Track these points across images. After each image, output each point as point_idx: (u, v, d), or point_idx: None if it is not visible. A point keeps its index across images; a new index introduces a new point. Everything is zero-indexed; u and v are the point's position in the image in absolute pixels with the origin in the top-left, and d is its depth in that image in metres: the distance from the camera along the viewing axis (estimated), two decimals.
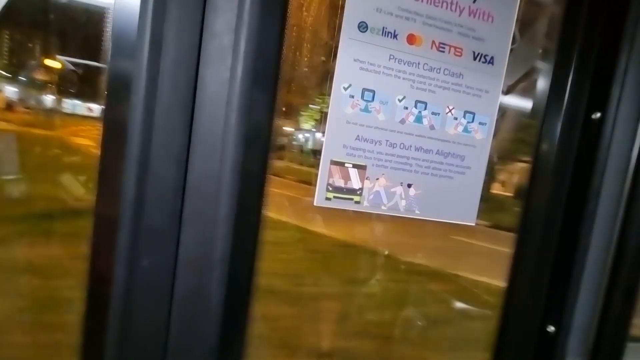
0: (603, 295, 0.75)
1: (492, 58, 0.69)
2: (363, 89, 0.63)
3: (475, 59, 0.68)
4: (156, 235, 0.53)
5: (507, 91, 0.81)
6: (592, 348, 0.75)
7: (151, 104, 0.51)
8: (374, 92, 0.63)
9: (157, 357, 0.55)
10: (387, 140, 0.65)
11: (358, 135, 0.64)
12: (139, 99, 0.50)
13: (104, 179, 0.52)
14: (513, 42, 0.70)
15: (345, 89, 0.62)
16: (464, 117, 0.69)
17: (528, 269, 0.77)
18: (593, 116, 0.72)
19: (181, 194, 0.54)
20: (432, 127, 0.67)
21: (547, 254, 0.77)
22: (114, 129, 0.51)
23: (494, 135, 0.71)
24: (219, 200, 0.54)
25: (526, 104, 0.88)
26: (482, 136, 0.71)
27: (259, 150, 0.56)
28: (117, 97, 0.50)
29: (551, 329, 0.76)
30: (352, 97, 0.62)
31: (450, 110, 0.68)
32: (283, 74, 0.57)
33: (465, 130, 0.69)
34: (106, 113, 0.51)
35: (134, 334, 0.53)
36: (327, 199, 0.64)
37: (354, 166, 0.64)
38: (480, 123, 0.70)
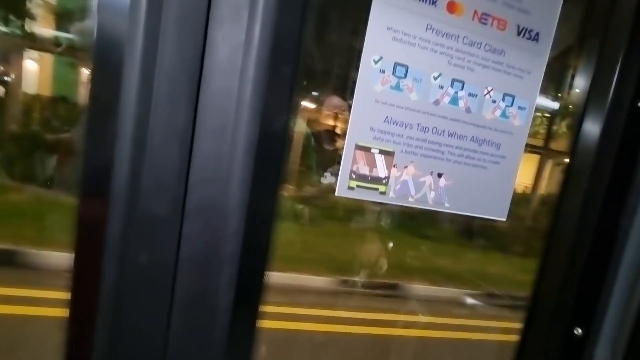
0: (637, 298, 0.70)
1: (537, 34, 0.61)
2: (395, 63, 0.54)
3: (519, 34, 0.60)
4: (154, 227, 0.45)
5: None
6: (622, 353, 0.70)
7: (149, 70, 0.42)
8: (407, 67, 0.55)
9: None
10: (418, 124, 0.58)
11: (387, 117, 0.56)
12: (134, 65, 0.41)
13: (90, 160, 0.43)
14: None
15: (376, 62, 0.53)
16: (503, 100, 0.61)
17: (557, 268, 0.72)
18: None
19: (184, 180, 0.45)
20: (468, 110, 0.60)
21: (579, 252, 0.71)
22: (103, 99, 0.42)
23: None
24: (228, 187, 0.46)
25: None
26: (520, 123, 0.64)
27: (276, 129, 0.47)
28: (107, 60, 0.41)
29: (579, 331, 0.71)
30: (383, 72, 0.54)
31: (488, 92, 0.60)
32: (306, 40, 0.48)
33: (504, 115, 0.62)
34: (94, 79, 0.42)
35: (127, 343, 0.46)
36: (350, 188, 0.56)
37: (381, 152, 0.57)
38: (519, 108, 0.63)
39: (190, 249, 0.47)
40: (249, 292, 0.51)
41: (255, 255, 0.50)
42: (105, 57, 0.41)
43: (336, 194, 0.56)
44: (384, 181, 0.58)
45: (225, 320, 0.49)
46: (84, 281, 0.44)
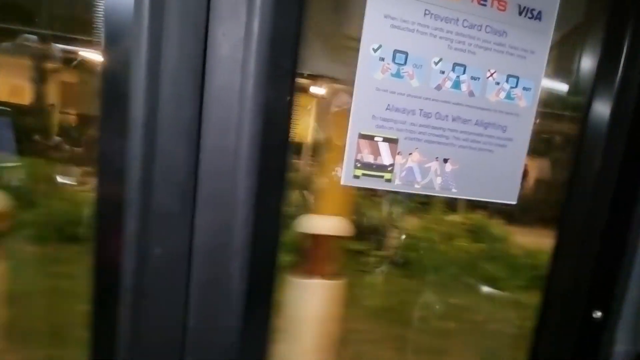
0: None
1: (539, 13, 0.60)
2: (394, 50, 0.55)
3: (520, 13, 0.59)
4: (168, 220, 0.47)
5: None
6: None
7: (155, 69, 0.43)
8: (406, 54, 0.55)
9: (173, 355, 0.49)
10: (421, 110, 0.58)
11: (389, 105, 0.56)
12: (140, 64, 0.43)
13: (105, 157, 0.45)
14: None
15: (375, 50, 0.54)
16: (507, 81, 0.61)
17: (573, 250, 0.71)
18: None
19: (194, 173, 0.47)
20: (471, 94, 0.60)
21: (593, 234, 0.70)
22: (113, 99, 0.44)
23: None
24: (236, 179, 0.48)
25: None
26: (526, 104, 0.63)
27: (279, 121, 0.49)
28: (115, 60, 0.43)
29: (598, 314, 0.70)
30: (382, 59, 0.55)
31: (491, 74, 0.60)
32: (305, 32, 0.49)
33: (508, 96, 0.61)
34: (103, 81, 0.44)
35: (148, 330, 0.48)
36: (356, 176, 0.57)
37: (385, 140, 0.57)
38: (524, 88, 0.62)
39: (203, 240, 0.49)
40: (261, 280, 0.52)
41: (265, 244, 0.51)
42: (113, 59, 0.43)
43: (342, 182, 0.57)
44: (389, 169, 0.58)
45: (239, 308, 0.51)
46: (104, 275, 0.47)
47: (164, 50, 0.43)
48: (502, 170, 0.64)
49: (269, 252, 0.51)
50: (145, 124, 0.44)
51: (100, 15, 0.42)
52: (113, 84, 0.44)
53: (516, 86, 0.62)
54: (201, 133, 0.47)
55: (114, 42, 0.43)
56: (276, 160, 0.49)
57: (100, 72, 0.43)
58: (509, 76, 0.61)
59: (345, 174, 0.57)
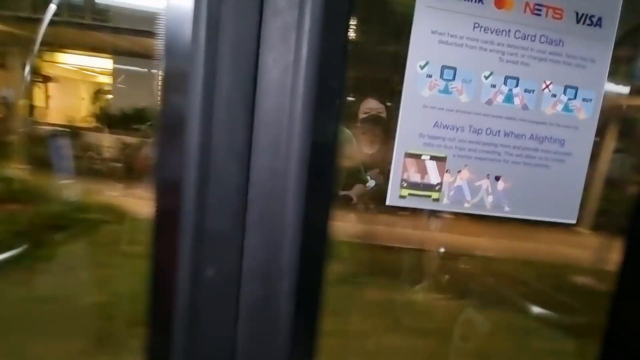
0: None
1: (599, 19, 0.56)
2: (442, 66, 0.53)
3: (578, 21, 0.55)
4: (220, 241, 0.48)
5: None
6: None
7: (210, 94, 0.45)
8: (455, 69, 0.54)
9: None
10: (470, 126, 0.55)
11: (437, 122, 0.55)
12: (197, 89, 0.45)
13: (162, 180, 0.47)
14: None
15: (422, 67, 0.53)
16: (565, 93, 0.57)
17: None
18: None
19: (244, 195, 0.48)
20: (525, 108, 0.56)
21: None
22: (170, 125, 0.46)
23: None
24: (285, 200, 0.48)
25: None
26: (587, 115, 0.58)
27: (327, 141, 0.49)
28: (173, 88, 0.46)
29: None
30: (430, 76, 0.53)
31: (547, 86, 0.56)
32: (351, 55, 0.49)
33: (566, 108, 0.58)
34: (163, 107, 0.46)
35: (200, 351, 0.49)
36: (402, 197, 0.56)
37: (432, 158, 0.55)
38: (584, 99, 0.58)
39: (253, 261, 0.50)
40: (309, 301, 0.52)
41: (312, 265, 0.51)
42: (172, 85, 0.45)
43: (387, 203, 0.55)
44: (436, 188, 0.56)
45: (287, 328, 0.51)
46: (161, 294, 0.49)
47: (218, 76, 0.45)
48: (560, 187, 0.60)
49: (316, 273, 0.51)
50: (200, 146, 0.46)
51: (160, 43, 0.45)
52: (171, 109, 0.46)
53: (575, 97, 0.58)
54: (251, 154, 0.48)
55: (173, 69, 0.45)
56: (324, 181, 0.49)
57: (161, 99, 0.46)
58: (566, 87, 0.57)
59: (391, 194, 0.55)
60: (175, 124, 0.46)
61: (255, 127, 0.47)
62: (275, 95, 0.47)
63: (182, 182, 0.46)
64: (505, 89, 0.55)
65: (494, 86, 0.55)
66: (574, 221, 0.61)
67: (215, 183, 0.47)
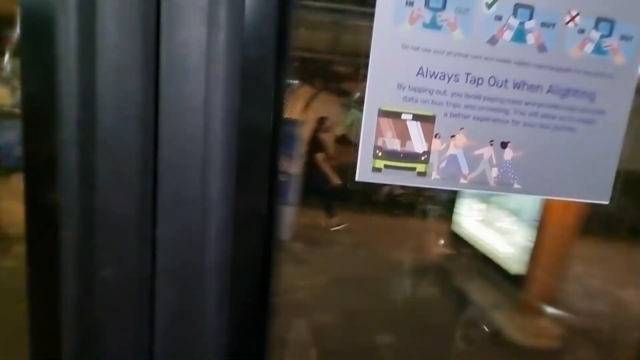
0: None
1: None
2: None
3: None
4: (120, 233, 0.35)
5: None
6: None
7: (89, 23, 0.32)
8: None
9: None
10: (467, 74, 0.41)
11: (421, 68, 0.40)
12: (69, 19, 0.31)
13: (31, 153, 0.34)
14: None
15: None
16: (597, 27, 0.42)
17: None
18: None
19: (152, 169, 0.35)
20: (541, 48, 0.42)
21: None
22: (36, 70, 0.33)
23: None
24: (208, 174, 0.35)
25: None
26: (626, 59, 0.44)
27: (266, 92, 0.35)
28: (34, 15, 0.32)
29: None
30: (411, 4, 0.39)
31: (572, 19, 0.42)
32: None
33: (598, 49, 0.43)
34: (24, 58, 0.33)
35: None
36: (376, 169, 0.42)
37: (416, 117, 0.41)
38: (622, 37, 0.43)
39: (168, 257, 0.37)
40: (249, 306, 0.39)
41: (250, 265, 0.38)
42: (34, 10, 0.32)
43: (356, 178, 0.42)
44: (422, 158, 0.42)
45: (221, 344, 0.38)
46: (41, 304, 0.36)
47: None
48: (588, 157, 0.45)
49: (255, 275, 0.38)
50: (80, 100, 0.32)
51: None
52: (35, 50, 0.32)
53: (610, 34, 0.43)
54: (158, 112, 0.34)
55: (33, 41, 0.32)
56: (261, 146, 0.36)
57: (20, 33, 0.32)
58: (599, 19, 0.42)
59: (361, 168, 0.42)
60: (41, 69, 0.32)
61: (161, 70, 0.33)
62: (186, 23, 0.33)
63: (57, 153, 0.33)
64: (514, 21, 0.41)
65: (499, 18, 0.40)
66: (606, 201, 0.47)
67: (105, 152, 0.34)
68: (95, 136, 0.33)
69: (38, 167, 0.34)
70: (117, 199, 0.35)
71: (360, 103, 0.41)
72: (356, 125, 0.41)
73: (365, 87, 0.40)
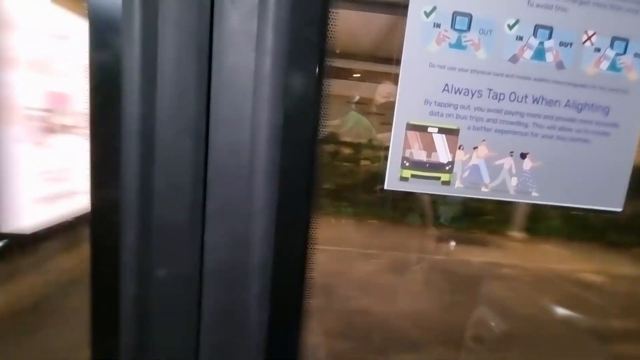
0: None
1: None
2: (454, 12, 0.42)
3: None
4: (173, 235, 0.39)
5: None
6: None
7: (151, 49, 0.35)
8: (470, 16, 0.42)
9: None
10: (490, 90, 0.44)
11: (446, 85, 0.43)
12: (134, 42, 0.35)
13: (97, 165, 0.38)
14: None
15: (428, 14, 0.42)
16: (612, 46, 0.45)
17: None
18: None
19: (202, 178, 0.38)
20: (559, 66, 0.45)
21: None
22: (103, 87, 0.37)
23: None
24: (253, 184, 0.38)
25: None
26: (639, 75, 0.46)
27: (304, 108, 0.38)
28: (103, 42, 0.36)
29: None
30: (438, 26, 0.42)
31: (589, 38, 0.44)
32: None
33: (613, 67, 0.45)
34: (92, 67, 0.36)
35: None
36: (403, 178, 0.45)
37: (441, 130, 0.45)
38: (636, 55, 0.46)
39: (215, 259, 0.40)
40: (286, 307, 0.42)
41: (290, 264, 0.41)
42: (101, 37, 0.35)
43: (385, 186, 0.45)
44: (446, 168, 0.45)
45: (260, 340, 0.41)
46: (102, 301, 0.40)
47: (160, 26, 0.35)
48: (603, 167, 0.48)
49: (296, 274, 0.41)
50: (141, 116, 0.36)
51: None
52: (101, 70, 0.36)
53: (624, 52, 0.45)
54: (209, 128, 0.38)
55: (100, 13, 0.35)
56: (301, 160, 0.39)
57: (87, 61, 0.36)
58: (614, 39, 0.45)
59: (390, 176, 0.45)
60: (108, 89, 0.36)
61: (212, 91, 0.37)
62: (236, 50, 0.36)
63: (120, 163, 0.37)
64: (534, 41, 0.44)
65: (520, 38, 0.43)
66: (619, 209, 0.49)
67: (163, 164, 0.37)
68: (154, 149, 0.37)
69: (103, 180, 0.38)
70: (171, 206, 0.38)
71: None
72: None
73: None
